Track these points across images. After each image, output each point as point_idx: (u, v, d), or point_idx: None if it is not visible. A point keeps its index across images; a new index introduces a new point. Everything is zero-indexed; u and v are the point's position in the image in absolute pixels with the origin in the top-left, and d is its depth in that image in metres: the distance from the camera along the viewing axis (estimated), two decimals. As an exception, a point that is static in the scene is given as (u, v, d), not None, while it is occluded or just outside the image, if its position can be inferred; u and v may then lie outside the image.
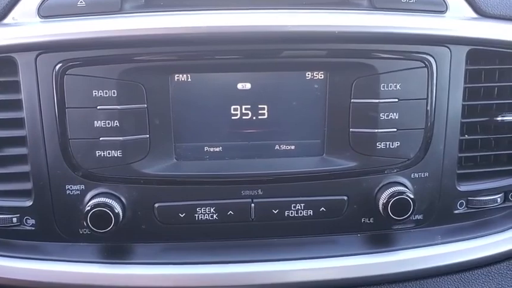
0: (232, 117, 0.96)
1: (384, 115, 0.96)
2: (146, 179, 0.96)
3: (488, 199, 1.06)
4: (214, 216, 0.99)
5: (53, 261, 0.99)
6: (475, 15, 1.00)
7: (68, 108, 0.92)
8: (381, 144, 0.97)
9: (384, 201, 0.97)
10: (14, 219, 0.98)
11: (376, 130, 0.96)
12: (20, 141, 0.95)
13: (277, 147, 0.99)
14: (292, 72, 0.96)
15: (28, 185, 0.97)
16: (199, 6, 0.93)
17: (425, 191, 1.02)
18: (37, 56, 0.90)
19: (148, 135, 0.94)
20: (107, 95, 0.91)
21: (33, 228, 0.99)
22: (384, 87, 0.95)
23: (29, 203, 0.97)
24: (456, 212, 1.06)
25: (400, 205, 0.96)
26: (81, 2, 0.91)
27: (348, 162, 0.99)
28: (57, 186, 0.96)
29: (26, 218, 0.99)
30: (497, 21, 1.00)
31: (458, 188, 1.04)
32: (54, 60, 0.90)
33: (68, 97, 0.91)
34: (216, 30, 0.90)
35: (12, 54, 0.91)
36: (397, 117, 0.96)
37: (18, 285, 0.98)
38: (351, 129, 0.97)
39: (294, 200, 0.99)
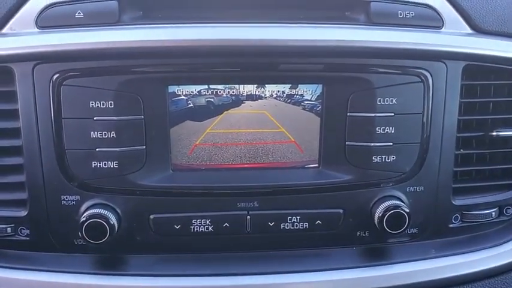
0: (229, 129, 0.96)
1: (380, 129, 0.96)
2: (142, 190, 0.96)
3: (483, 213, 1.07)
4: (210, 228, 0.98)
5: (47, 272, 0.98)
6: (470, 31, 1.00)
7: (64, 118, 0.92)
8: (376, 157, 0.97)
9: (380, 214, 0.97)
10: (9, 229, 0.98)
11: (372, 144, 0.97)
12: (16, 151, 0.95)
13: (273, 159, 0.99)
14: (289, 85, 0.96)
15: (23, 195, 0.96)
16: (197, 19, 0.93)
17: (420, 205, 1.02)
18: (34, 66, 0.90)
19: (144, 147, 0.94)
20: (104, 106, 0.91)
21: (27, 238, 0.98)
22: (380, 101, 0.95)
23: (24, 213, 0.97)
24: (451, 225, 1.06)
25: (395, 219, 0.96)
26: (79, 13, 0.91)
27: (343, 176, 0.99)
28: (53, 197, 0.95)
29: (21, 228, 0.98)
30: (493, 37, 1.00)
31: (454, 202, 1.04)
32: (51, 70, 0.90)
33: (64, 107, 0.91)
34: (213, 43, 0.90)
35: (10, 64, 0.91)
36: (393, 132, 0.97)
37: (11, 296, 0.98)
38: (347, 143, 0.98)
39: (290, 213, 0.99)
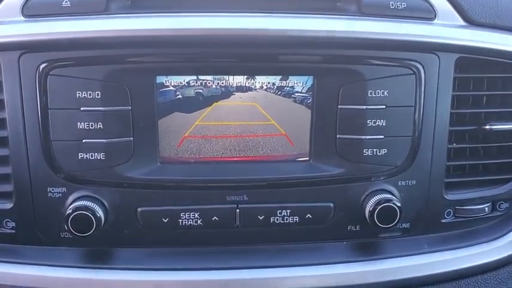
0: (218, 121, 0.95)
1: (371, 122, 0.95)
2: (129, 183, 0.95)
3: (476, 208, 1.05)
4: (199, 221, 0.97)
5: (33, 265, 0.97)
6: (463, 23, 0.99)
7: (50, 109, 0.90)
8: (368, 151, 0.96)
9: (371, 208, 0.96)
10: (-6, 222, 0.96)
11: (363, 137, 0.96)
12: (1, 142, 0.93)
13: (263, 151, 0.98)
14: (280, 76, 0.95)
15: (9, 187, 0.95)
16: (185, 9, 0.92)
17: (412, 199, 1.01)
18: (20, 55, 0.89)
19: (132, 138, 0.93)
20: (91, 97, 0.90)
21: (13, 231, 0.97)
22: (371, 93, 0.94)
23: (9, 205, 0.95)
24: (444, 221, 1.05)
25: (386, 213, 0.95)
26: (66, 1, 0.90)
27: (334, 169, 0.98)
28: (39, 189, 0.94)
29: (6, 221, 0.97)
30: (486, 29, 0.99)
31: (446, 197, 1.03)
32: (37, 60, 0.89)
33: (51, 98, 0.90)
34: (202, 33, 0.89)
35: (-5, 54, 0.90)
36: (384, 124, 0.95)
37: (-4, 290, 0.96)
38: (338, 136, 0.96)
39: (280, 206, 0.98)
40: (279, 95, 0.96)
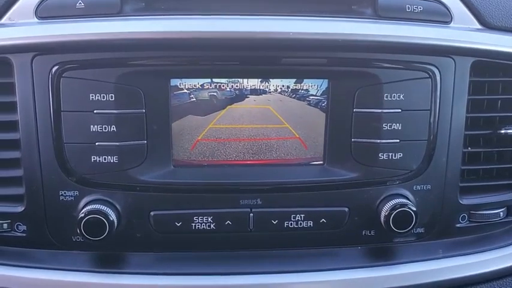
0: (232, 124, 0.94)
1: (386, 125, 0.94)
2: (142, 186, 0.94)
3: (491, 213, 1.05)
4: (212, 225, 0.96)
5: (44, 269, 0.96)
6: (479, 26, 0.99)
7: (63, 111, 0.89)
8: (383, 155, 0.95)
9: (386, 213, 0.95)
10: (5, 225, 0.95)
11: (379, 140, 0.95)
12: (13, 144, 0.92)
13: (277, 155, 0.97)
14: (294, 79, 0.94)
15: (20, 190, 0.94)
16: (200, 11, 0.91)
17: (427, 204, 1.00)
18: (33, 57, 0.88)
19: (145, 141, 0.92)
20: (104, 99, 0.89)
21: (24, 234, 0.96)
22: (387, 97, 0.93)
23: (20, 209, 0.94)
24: (458, 225, 1.04)
25: (402, 218, 0.94)
26: (79, 3, 0.89)
27: (349, 173, 0.97)
28: (51, 192, 0.93)
29: (17, 224, 0.96)
30: (502, 33, 0.99)
31: (461, 201, 1.02)
32: (50, 62, 0.88)
33: (63, 100, 0.89)
34: (216, 36, 0.88)
35: (8, 55, 0.89)
36: (400, 128, 0.95)
37: (7, 294, 0.95)
38: (352, 139, 0.95)
39: (294, 211, 0.97)
40: (294, 98, 0.95)
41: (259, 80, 0.94)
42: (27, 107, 0.90)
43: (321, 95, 0.95)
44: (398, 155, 0.96)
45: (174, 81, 0.92)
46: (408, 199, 0.97)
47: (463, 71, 0.96)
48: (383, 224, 0.96)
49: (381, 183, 0.97)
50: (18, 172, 0.93)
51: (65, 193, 0.93)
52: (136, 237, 0.97)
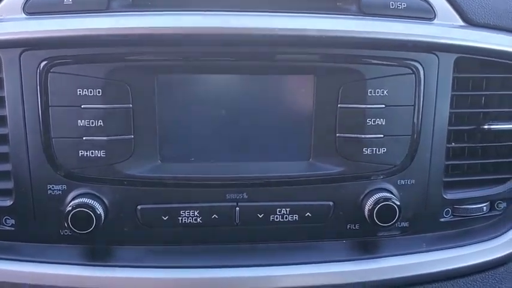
0: (219, 120, 0.95)
1: (370, 121, 0.96)
2: (129, 180, 0.95)
3: (474, 207, 1.06)
4: (198, 219, 0.97)
5: (33, 263, 0.97)
6: (462, 23, 1.00)
7: (51, 106, 0.90)
8: (367, 150, 0.97)
9: (370, 207, 0.96)
10: (-7, 219, 0.96)
11: (363, 136, 0.96)
12: (1, 139, 0.93)
13: (263, 150, 0.98)
14: (280, 76, 0.95)
15: (9, 184, 0.95)
16: (187, 7, 0.92)
17: (411, 198, 1.01)
18: (21, 53, 0.89)
19: (132, 136, 0.93)
20: (92, 94, 0.90)
21: (12, 228, 0.97)
22: (371, 92, 0.95)
23: (9, 203, 0.95)
24: (442, 220, 1.06)
25: (385, 212, 0.96)
26: (67, -1, 0.90)
27: (334, 168, 0.98)
28: (39, 186, 0.94)
29: (6, 218, 0.97)
30: (485, 30, 1.00)
31: (445, 196, 1.03)
32: (38, 57, 0.89)
33: (51, 95, 0.90)
34: (203, 32, 0.89)
35: (-4, 51, 0.90)
36: (383, 123, 0.96)
37: (-5, 287, 0.96)
38: (337, 134, 0.97)
39: (279, 205, 0.98)
40: (280, 94, 0.96)
41: (246, 76, 0.94)
42: (16, 102, 0.91)
43: (306, 90, 0.96)
44: (382, 150, 0.97)
45: (161, 77, 0.93)
46: (392, 193, 0.98)
47: (447, 67, 0.97)
48: (367, 217, 0.97)
49: (365, 178, 0.99)
50: (6, 166, 0.94)
51: (53, 187, 0.94)
52: (124, 231, 0.98)
